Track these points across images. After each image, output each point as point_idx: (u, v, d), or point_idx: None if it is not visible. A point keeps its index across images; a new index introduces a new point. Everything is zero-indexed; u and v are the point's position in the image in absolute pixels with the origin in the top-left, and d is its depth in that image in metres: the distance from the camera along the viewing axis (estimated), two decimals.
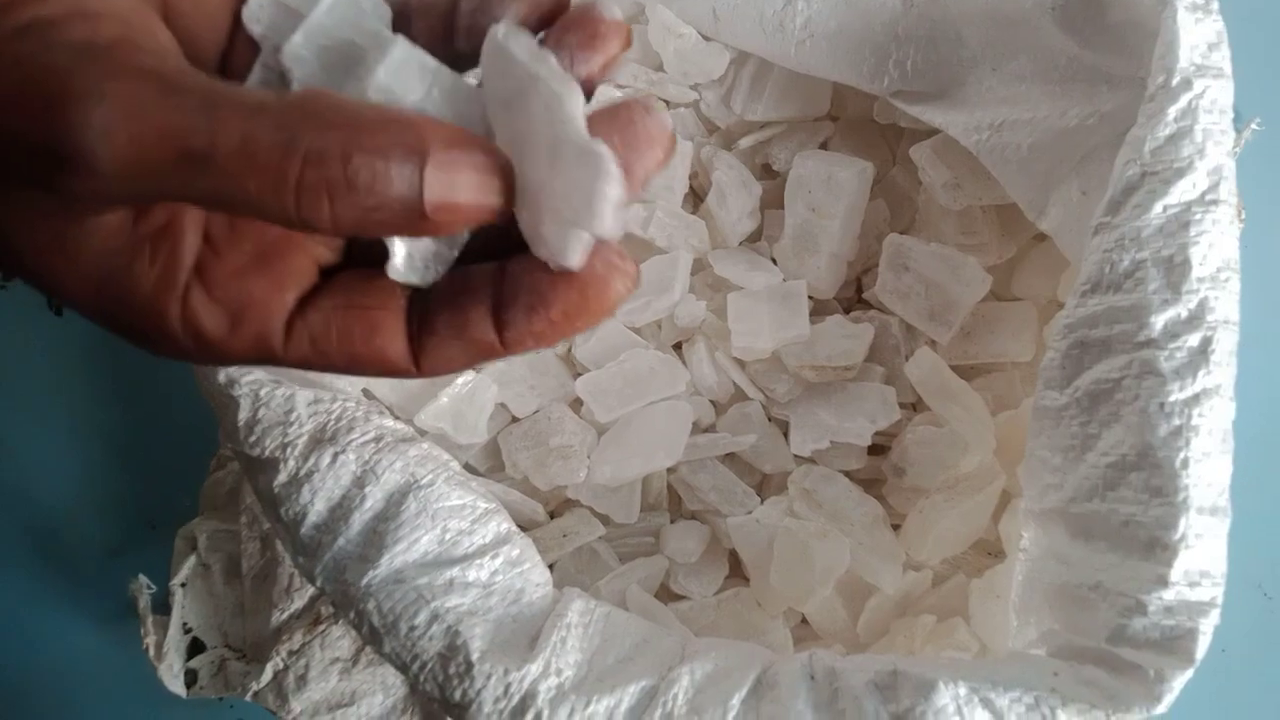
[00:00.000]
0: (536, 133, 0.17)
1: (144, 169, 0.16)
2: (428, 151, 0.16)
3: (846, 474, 0.36)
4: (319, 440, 0.29)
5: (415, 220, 0.16)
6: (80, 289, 0.18)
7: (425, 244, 0.20)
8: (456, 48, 0.20)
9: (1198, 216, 0.26)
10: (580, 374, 0.37)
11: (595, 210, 0.16)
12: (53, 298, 0.19)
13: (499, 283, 0.19)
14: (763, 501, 0.36)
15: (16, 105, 0.15)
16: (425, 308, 0.20)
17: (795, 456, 0.36)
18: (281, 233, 0.20)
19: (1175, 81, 0.26)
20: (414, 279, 0.20)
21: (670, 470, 0.37)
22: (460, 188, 0.17)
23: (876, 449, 0.36)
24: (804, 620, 0.36)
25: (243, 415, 0.29)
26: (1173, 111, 0.27)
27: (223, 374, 0.29)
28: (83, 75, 0.15)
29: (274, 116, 0.16)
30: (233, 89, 0.16)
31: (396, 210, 0.16)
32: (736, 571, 0.37)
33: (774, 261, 0.38)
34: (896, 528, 0.35)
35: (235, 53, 0.20)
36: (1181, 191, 0.26)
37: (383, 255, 0.20)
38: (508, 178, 0.17)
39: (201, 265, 0.18)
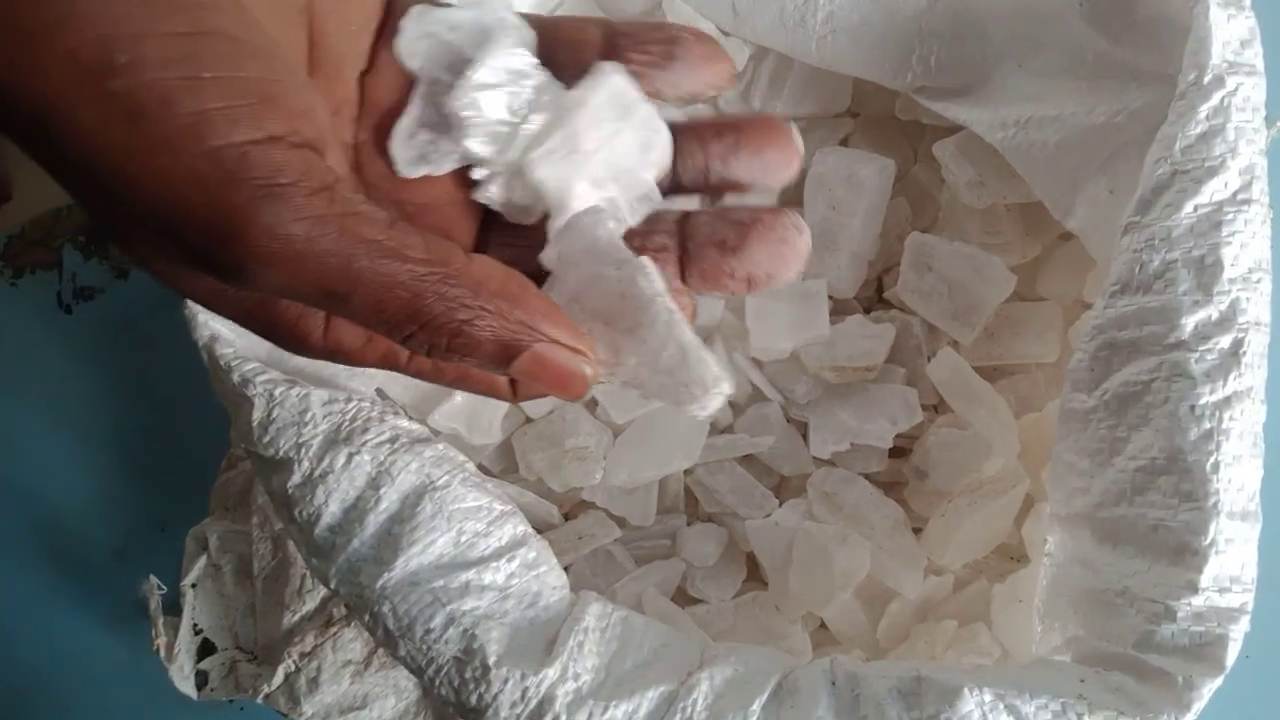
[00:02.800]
0: (639, 324, 0.21)
1: (292, 294, 0.19)
2: (523, 350, 0.19)
3: (867, 476, 0.35)
4: (334, 441, 0.29)
5: (505, 375, 0.21)
6: (234, 315, 0.21)
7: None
8: None
9: (1230, 216, 0.26)
10: None
11: (707, 405, 0.21)
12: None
13: (682, 230, 0.23)
14: (781, 504, 0.36)
15: (196, 226, 0.17)
16: None
17: (814, 459, 0.36)
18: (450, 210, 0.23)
19: (1208, 79, 0.26)
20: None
21: (687, 472, 0.37)
22: (545, 379, 0.20)
23: (897, 451, 0.36)
24: (823, 625, 0.35)
25: (257, 415, 0.29)
26: (1205, 109, 0.26)
27: (237, 374, 0.29)
28: (259, 220, 0.17)
29: (406, 278, 0.18)
30: (374, 231, 0.18)
31: (484, 376, 0.22)
32: (754, 575, 0.36)
33: None
34: (917, 531, 0.35)
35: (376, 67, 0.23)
36: (1213, 191, 0.26)
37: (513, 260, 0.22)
38: (589, 379, 0.20)
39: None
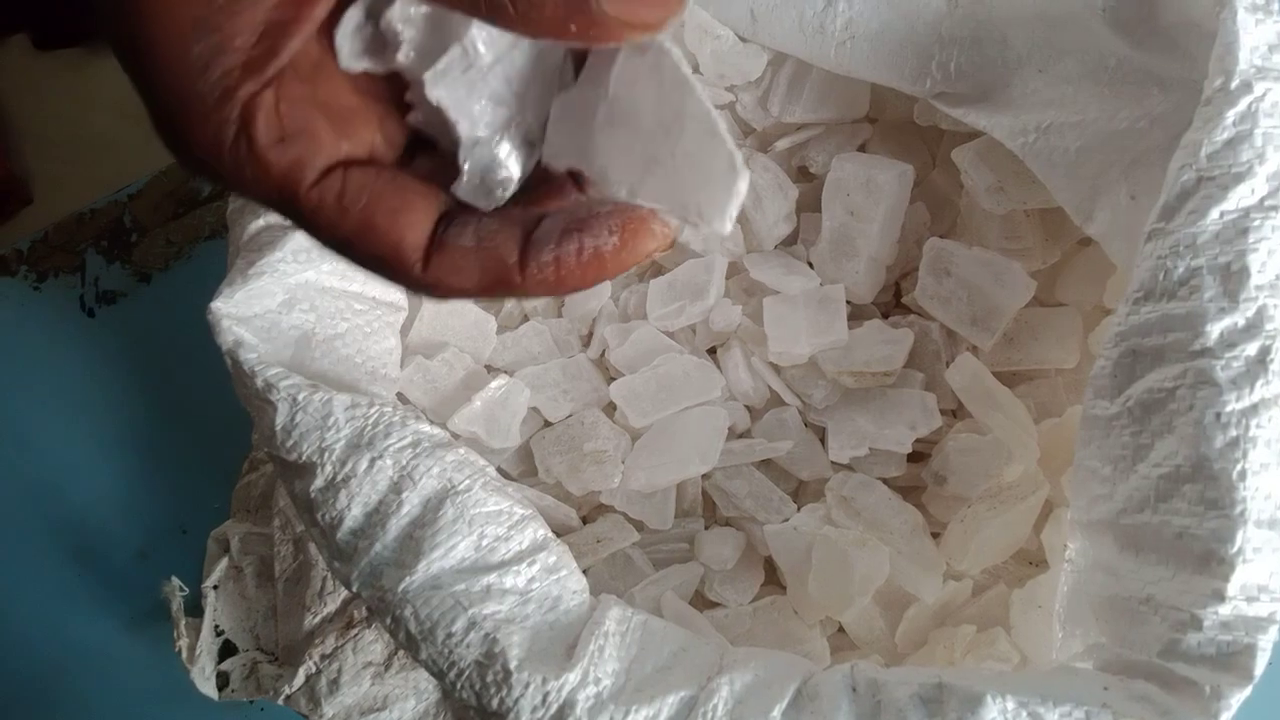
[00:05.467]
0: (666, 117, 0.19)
1: None
2: None
3: (885, 481, 0.35)
4: (356, 445, 0.29)
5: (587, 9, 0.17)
6: (168, 37, 0.18)
7: (493, 166, 0.20)
8: None
9: (1256, 223, 0.26)
10: (614, 379, 0.37)
11: (727, 210, 0.18)
12: (122, 41, 0.18)
13: (536, 219, 0.19)
14: (799, 509, 0.36)
15: None
16: (454, 217, 0.20)
17: (833, 463, 0.36)
18: (357, 104, 0.20)
19: (1235, 84, 0.26)
20: (479, 201, 0.20)
21: (705, 476, 0.37)
22: None
23: (916, 456, 0.36)
24: (841, 629, 0.35)
25: (280, 419, 0.29)
26: (1231, 115, 0.26)
27: (260, 379, 0.29)
28: None
29: None
30: None
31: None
32: (772, 579, 0.36)
33: (810, 266, 0.38)
34: (936, 536, 0.35)
35: None
36: (1240, 197, 0.26)
37: (434, 176, 0.20)
38: None
39: (284, 78, 0.19)
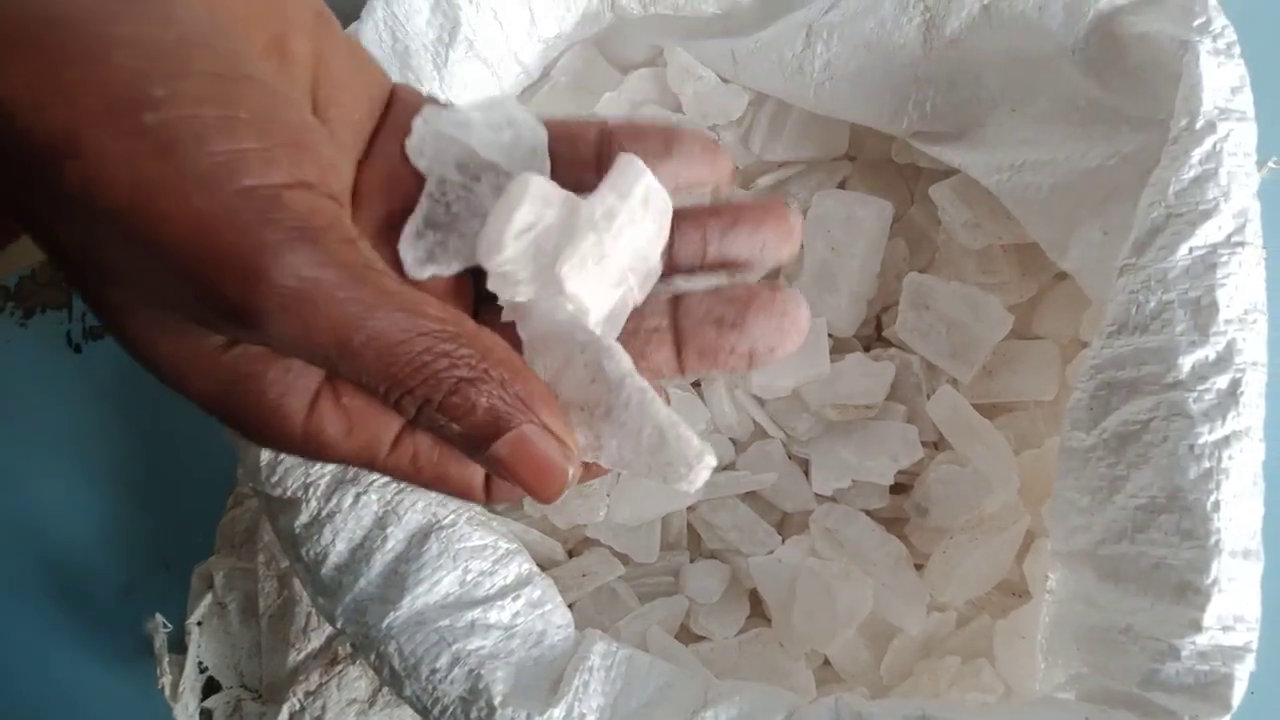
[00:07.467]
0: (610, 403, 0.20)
1: (303, 344, 0.18)
2: (512, 426, 0.19)
3: (868, 513, 0.35)
4: (341, 480, 0.29)
5: (483, 459, 0.20)
6: (208, 393, 0.19)
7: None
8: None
9: (1224, 258, 0.26)
10: None
11: (694, 480, 0.20)
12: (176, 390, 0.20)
13: (676, 310, 0.23)
14: (784, 541, 0.36)
15: (220, 264, 0.17)
16: None
17: (816, 495, 0.36)
18: None
19: (1199, 125, 0.27)
20: None
21: (690, 509, 0.37)
22: (525, 468, 0.19)
23: (898, 488, 0.36)
24: (826, 662, 0.35)
25: (265, 455, 0.29)
26: (1197, 154, 0.27)
27: None
28: (286, 261, 0.17)
29: (420, 332, 0.18)
30: (392, 285, 0.18)
31: (470, 447, 0.20)
32: (757, 612, 0.36)
33: None
34: (919, 568, 0.35)
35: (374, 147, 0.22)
36: (1207, 234, 0.27)
37: None
38: (567, 479, 0.20)
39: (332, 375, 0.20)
